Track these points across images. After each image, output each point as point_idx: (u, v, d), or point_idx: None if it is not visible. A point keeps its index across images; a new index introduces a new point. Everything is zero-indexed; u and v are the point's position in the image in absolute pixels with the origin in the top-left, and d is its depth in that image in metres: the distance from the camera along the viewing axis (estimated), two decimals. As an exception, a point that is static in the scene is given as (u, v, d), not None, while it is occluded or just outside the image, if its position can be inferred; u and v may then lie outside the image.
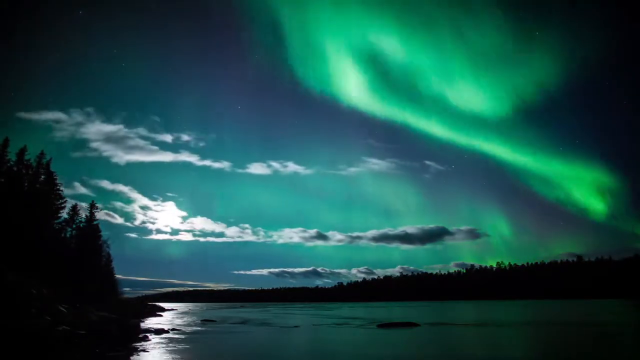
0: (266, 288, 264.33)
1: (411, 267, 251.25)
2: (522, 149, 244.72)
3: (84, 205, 46.72)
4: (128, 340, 20.80)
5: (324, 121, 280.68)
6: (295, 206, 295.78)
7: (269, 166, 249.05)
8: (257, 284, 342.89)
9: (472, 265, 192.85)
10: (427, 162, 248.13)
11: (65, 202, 40.53)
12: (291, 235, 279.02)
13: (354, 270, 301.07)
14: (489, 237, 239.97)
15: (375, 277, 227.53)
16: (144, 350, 17.64)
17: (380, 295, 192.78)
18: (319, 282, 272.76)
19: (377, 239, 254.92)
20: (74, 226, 42.96)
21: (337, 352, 18.20)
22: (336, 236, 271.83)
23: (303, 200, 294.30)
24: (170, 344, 20.23)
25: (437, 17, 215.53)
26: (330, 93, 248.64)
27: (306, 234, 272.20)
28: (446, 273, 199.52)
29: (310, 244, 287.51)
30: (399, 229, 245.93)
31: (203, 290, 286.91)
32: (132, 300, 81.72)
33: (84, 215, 44.58)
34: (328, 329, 30.94)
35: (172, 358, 16.03)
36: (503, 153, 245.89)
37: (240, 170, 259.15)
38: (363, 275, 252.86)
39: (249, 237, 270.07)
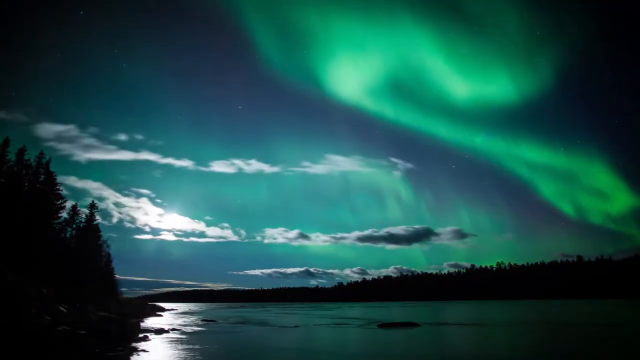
0: (266, 288, 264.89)
1: (404, 267, 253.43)
2: (512, 146, 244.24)
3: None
4: (128, 340, 20.79)
5: (288, 117, 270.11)
6: (270, 205, 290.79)
7: (232, 164, 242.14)
8: (250, 285, 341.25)
9: (472, 265, 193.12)
10: (394, 160, 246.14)
11: (66, 202, 40.47)
12: (274, 235, 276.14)
13: (347, 271, 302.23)
14: (476, 237, 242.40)
15: (369, 277, 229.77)
16: (144, 350, 17.64)
17: (380, 296, 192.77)
18: (314, 282, 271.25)
19: (362, 239, 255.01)
20: (74, 226, 42.92)
21: (338, 352, 18.18)
22: (320, 237, 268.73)
23: (277, 199, 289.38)
24: (170, 344, 20.24)
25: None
26: (305, 86, 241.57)
27: (290, 234, 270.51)
28: (446, 273, 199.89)
29: (295, 244, 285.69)
30: (383, 230, 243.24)
31: (202, 290, 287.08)
32: (132, 300, 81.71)
33: (83, 215, 44.59)
34: (328, 328, 30.94)
35: (172, 358, 16.03)
36: (488, 150, 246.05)
37: (204, 169, 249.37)
38: (357, 275, 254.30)
39: (232, 237, 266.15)
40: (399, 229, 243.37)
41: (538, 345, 19.52)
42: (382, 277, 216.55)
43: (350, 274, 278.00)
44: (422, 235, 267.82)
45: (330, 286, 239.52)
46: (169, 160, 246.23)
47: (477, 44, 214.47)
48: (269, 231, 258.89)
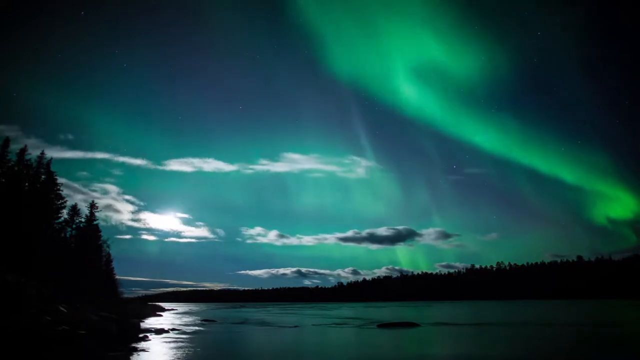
0: (266, 288, 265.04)
1: (396, 267, 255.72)
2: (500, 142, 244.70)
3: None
4: (128, 340, 20.80)
5: (241, 114, 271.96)
6: (242, 204, 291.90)
7: (189, 163, 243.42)
8: (246, 285, 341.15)
9: (472, 265, 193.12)
10: (355, 158, 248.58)
11: (66, 202, 40.54)
12: (254, 235, 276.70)
13: (338, 271, 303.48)
14: (460, 237, 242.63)
15: (362, 277, 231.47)
16: (144, 350, 17.65)
17: (380, 296, 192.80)
18: (308, 283, 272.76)
19: (344, 239, 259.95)
20: (73, 226, 42.97)
21: (338, 352, 18.20)
22: (303, 237, 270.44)
23: (247, 198, 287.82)
24: (170, 344, 20.25)
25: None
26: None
27: (271, 234, 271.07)
28: (446, 273, 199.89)
29: (278, 244, 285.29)
30: (365, 231, 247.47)
31: (202, 290, 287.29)
32: (133, 300, 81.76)
33: (83, 215, 44.63)
34: (328, 329, 30.95)
35: (172, 358, 16.04)
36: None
37: (160, 168, 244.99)
38: (350, 276, 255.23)
39: (211, 236, 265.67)
40: (381, 230, 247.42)
41: (538, 345, 19.53)
42: (382, 277, 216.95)
43: (344, 275, 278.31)
44: (405, 236, 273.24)
45: (325, 286, 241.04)
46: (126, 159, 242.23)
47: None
48: (248, 231, 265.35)
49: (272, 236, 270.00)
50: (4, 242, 27.68)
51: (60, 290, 28.34)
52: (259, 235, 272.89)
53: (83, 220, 44.19)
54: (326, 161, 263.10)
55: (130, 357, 15.95)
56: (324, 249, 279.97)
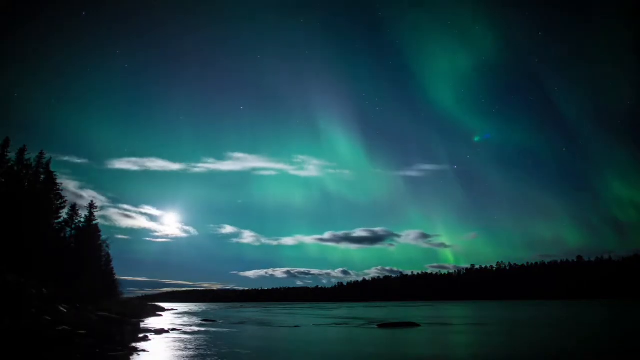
0: (266, 288, 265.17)
1: (387, 268, 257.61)
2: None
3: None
4: (128, 340, 20.77)
5: (183, 111, 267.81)
6: (202, 204, 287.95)
7: (132, 162, 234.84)
8: (237, 286, 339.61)
9: (472, 265, 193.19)
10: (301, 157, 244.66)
11: (65, 202, 40.49)
12: (234, 236, 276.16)
13: (327, 271, 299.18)
14: (440, 237, 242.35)
15: (353, 278, 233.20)
16: (144, 350, 17.63)
17: (380, 296, 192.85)
18: (300, 284, 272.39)
19: (324, 240, 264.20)
20: (73, 226, 42.91)
21: (338, 352, 18.19)
22: (282, 239, 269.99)
23: (208, 198, 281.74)
24: (171, 344, 20.23)
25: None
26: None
27: (251, 235, 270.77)
28: (446, 273, 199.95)
29: (256, 244, 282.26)
30: (341, 232, 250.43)
31: (202, 290, 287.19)
32: (133, 300, 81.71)
33: (83, 215, 44.57)
34: (328, 328, 30.94)
35: (172, 358, 16.02)
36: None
37: (102, 167, 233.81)
38: (342, 276, 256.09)
39: (194, 235, 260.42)
40: (358, 231, 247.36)
41: (538, 345, 19.51)
42: (382, 278, 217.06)
43: (335, 275, 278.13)
44: (383, 237, 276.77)
45: (317, 287, 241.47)
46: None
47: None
48: (230, 230, 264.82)
49: (251, 236, 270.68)
50: (4, 242, 27.64)
51: (60, 290, 28.30)
52: (239, 236, 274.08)
53: (82, 220, 44.13)
54: (276, 160, 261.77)
55: (130, 357, 15.93)
56: (306, 249, 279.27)
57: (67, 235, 42.38)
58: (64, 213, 41.21)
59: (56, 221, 40.34)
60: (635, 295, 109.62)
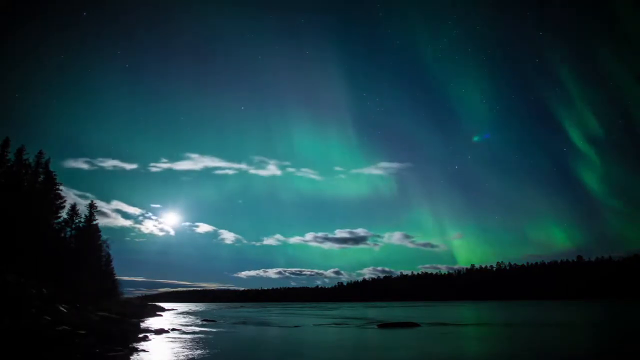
0: (266, 288, 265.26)
1: (379, 268, 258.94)
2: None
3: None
4: (128, 340, 20.76)
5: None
6: (170, 204, 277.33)
7: (87, 162, 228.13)
8: (235, 286, 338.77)
9: (472, 266, 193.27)
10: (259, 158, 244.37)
11: (65, 201, 40.47)
12: (213, 235, 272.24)
13: (320, 271, 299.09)
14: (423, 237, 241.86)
15: (346, 278, 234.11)
16: (144, 350, 17.61)
17: (380, 296, 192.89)
18: (294, 284, 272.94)
19: (308, 240, 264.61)
20: (73, 226, 42.89)
21: (339, 352, 18.17)
22: (265, 239, 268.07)
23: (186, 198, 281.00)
24: (171, 344, 20.22)
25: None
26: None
27: (233, 236, 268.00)
28: (446, 273, 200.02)
29: (238, 245, 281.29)
30: (321, 233, 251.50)
31: (202, 290, 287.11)
32: (133, 300, 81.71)
33: (83, 215, 44.54)
34: (328, 329, 30.93)
35: (172, 358, 16.01)
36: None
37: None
38: (334, 275, 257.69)
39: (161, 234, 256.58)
40: (340, 232, 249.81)
41: (537, 345, 19.51)
42: (382, 278, 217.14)
43: (329, 275, 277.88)
44: (365, 238, 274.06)
45: (318, 286, 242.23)
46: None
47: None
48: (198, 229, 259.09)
49: (233, 237, 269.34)
50: (4, 242, 27.63)
51: (60, 290, 28.29)
52: (223, 236, 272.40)
53: (82, 220, 44.10)
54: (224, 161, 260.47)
55: (130, 357, 15.91)
56: (291, 250, 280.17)
57: (67, 235, 42.36)
58: (64, 213, 41.23)
59: (56, 221, 40.33)
60: (635, 295, 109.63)
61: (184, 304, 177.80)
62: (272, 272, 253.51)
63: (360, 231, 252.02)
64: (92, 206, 46.36)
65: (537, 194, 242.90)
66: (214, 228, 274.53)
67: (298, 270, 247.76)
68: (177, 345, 19.99)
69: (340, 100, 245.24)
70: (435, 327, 29.87)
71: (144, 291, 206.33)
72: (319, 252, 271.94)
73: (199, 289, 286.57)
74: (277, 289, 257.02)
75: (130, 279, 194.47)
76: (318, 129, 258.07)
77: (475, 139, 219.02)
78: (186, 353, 17.24)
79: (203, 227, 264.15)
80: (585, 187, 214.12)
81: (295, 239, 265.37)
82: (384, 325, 30.76)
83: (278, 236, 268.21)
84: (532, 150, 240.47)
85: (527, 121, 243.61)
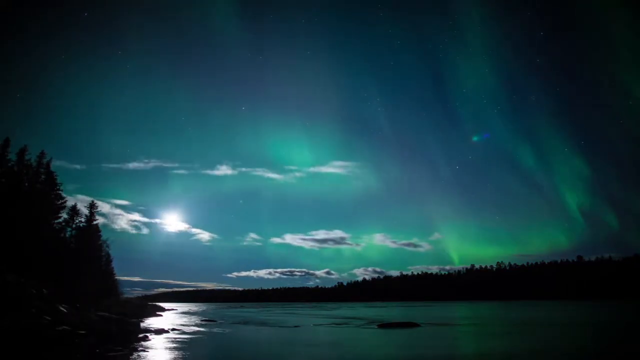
0: (266, 288, 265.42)
1: (369, 268, 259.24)
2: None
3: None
4: (128, 340, 20.79)
5: (184, 112, 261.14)
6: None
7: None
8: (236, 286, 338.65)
9: (472, 265, 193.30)
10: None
11: (66, 201, 40.45)
12: (190, 235, 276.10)
13: (311, 271, 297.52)
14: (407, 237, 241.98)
15: (336, 277, 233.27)
16: (144, 350, 17.63)
17: (379, 296, 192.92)
18: (288, 284, 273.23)
19: (287, 241, 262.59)
20: (73, 226, 42.87)
21: (339, 352, 18.18)
22: (243, 239, 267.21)
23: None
24: (171, 344, 20.23)
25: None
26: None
27: (209, 235, 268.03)
28: (446, 273, 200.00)
29: (222, 246, 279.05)
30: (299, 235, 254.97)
31: (203, 290, 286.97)
32: (133, 300, 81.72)
33: (83, 215, 44.50)
34: (329, 328, 30.95)
35: (172, 358, 16.02)
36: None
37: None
38: (326, 276, 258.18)
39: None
40: (320, 233, 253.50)
41: (537, 345, 19.52)
42: (382, 278, 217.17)
43: (320, 275, 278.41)
44: (345, 238, 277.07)
45: (318, 286, 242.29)
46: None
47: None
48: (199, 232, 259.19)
49: (215, 237, 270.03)
50: (4, 242, 27.64)
51: (60, 290, 28.30)
52: (206, 237, 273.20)
53: (83, 220, 44.07)
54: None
55: (130, 357, 15.91)
56: (274, 250, 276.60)
57: (68, 236, 42.35)
58: (64, 213, 41.21)
59: (56, 221, 40.32)
60: (635, 295, 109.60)
61: (181, 304, 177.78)
62: (262, 273, 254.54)
63: (338, 232, 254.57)
64: (92, 206, 46.31)
65: (536, 194, 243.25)
66: (189, 226, 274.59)
67: (288, 271, 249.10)
68: (177, 345, 20.00)
69: (340, 100, 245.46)
70: (435, 327, 29.89)
71: (139, 291, 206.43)
72: (304, 252, 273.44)
73: (192, 289, 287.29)
74: (277, 289, 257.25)
75: (127, 278, 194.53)
76: (313, 128, 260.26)
77: (475, 139, 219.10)
78: (186, 353, 17.25)
79: (176, 226, 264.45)
80: (585, 186, 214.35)
81: (276, 240, 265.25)
82: (384, 325, 30.77)
83: (254, 235, 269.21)
84: (533, 150, 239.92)
85: (527, 121, 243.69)
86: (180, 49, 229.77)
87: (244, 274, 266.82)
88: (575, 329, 27.66)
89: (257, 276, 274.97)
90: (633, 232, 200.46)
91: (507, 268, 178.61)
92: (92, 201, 46.13)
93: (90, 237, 45.07)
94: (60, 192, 39.55)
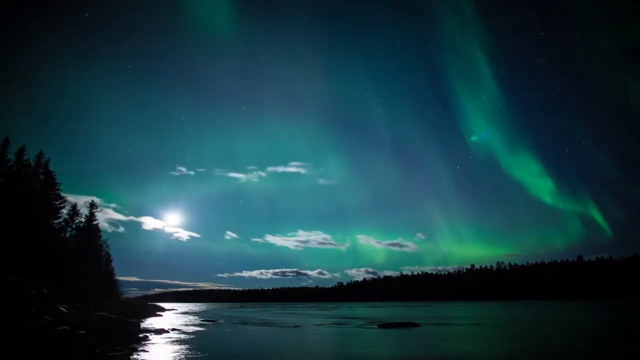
0: (266, 288, 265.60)
1: (362, 269, 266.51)
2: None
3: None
4: (128, 340, 20.77)
5: (185, 112, 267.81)
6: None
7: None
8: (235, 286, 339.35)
9: (472, 265, 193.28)
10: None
11: (65, 201, 40.41)
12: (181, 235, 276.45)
13: (303, 271, 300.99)
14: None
15: (330, 277, 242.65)
16: (144, 350, 17.61)
17: (379, 296, 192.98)
18: (282, 285, 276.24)
19: (269, 242, 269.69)
20: (73, 226, 42.82)
21: (339, 352, 18.17)
22: (222, 240, 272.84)
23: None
24: (171, 344, 20.21)
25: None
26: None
27: (187, 234, 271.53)
28: (446, 273, 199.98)
29: (201, 246, 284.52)
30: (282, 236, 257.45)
31: (202, 290, 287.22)
32: (132, 300, 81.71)
33: (83, 215, 44.46)
34: (328, 328, 30.94)
35: (172, 358, 16.00)
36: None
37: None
38: (318, 276, 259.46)
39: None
40: (301, 234, 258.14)
41: (537, 345, 19.51)
42: (382, 278, 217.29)
43: (312, 275, 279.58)
44: (328, 238, 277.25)
45: (318, 286, 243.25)
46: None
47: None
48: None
49: (201, 237, 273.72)
50: (4, 242, 27.62)
51: (60, 290, 28.29)
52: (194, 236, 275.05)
53: (83, 220, 44.02)
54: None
55: (130, 357, 15.90)
56: (269, 249, 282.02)
57: (67, 236, 42.31)
58: (64, 213, 41.17)
59: (56, 221, 40.28)
60: (635, 295, 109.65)
61: (180, 304, 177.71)
62: (256, 273, 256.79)
63: (320, 232, 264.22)
64: (92, 206, 46.27)
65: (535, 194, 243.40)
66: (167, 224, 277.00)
67: (279, 271, 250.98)
68: (178, 345, 19.98)
69: (340, 100, 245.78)
70: (435, 327, 29.88)
71: (136, 291, 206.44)
72: (289, 253, 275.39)
73: (191, 289, 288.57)
74: (277, 289, 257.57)
75: (124, 278, 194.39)
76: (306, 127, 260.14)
77: (474, 139, 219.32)
78: (186, 353, 17.23)
79: (151, 224, 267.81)
80: (585, 186, 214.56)
81: (255, 240, 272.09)
82: (384, 325, 30.76)
83: (233, 235, 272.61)
84: (533, 150, 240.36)
85: (527, 121, 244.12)
86: (182, 49, 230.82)
87: (235, 274, 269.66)
88: (575, 329, 27.66)
89: (249, 276, 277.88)
90: (633, 232, 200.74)
91: (507, 268, 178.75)
92: (92, 201, 46.07)
93: (90, 237, 45.03)
94: (59, 191, 39.54)
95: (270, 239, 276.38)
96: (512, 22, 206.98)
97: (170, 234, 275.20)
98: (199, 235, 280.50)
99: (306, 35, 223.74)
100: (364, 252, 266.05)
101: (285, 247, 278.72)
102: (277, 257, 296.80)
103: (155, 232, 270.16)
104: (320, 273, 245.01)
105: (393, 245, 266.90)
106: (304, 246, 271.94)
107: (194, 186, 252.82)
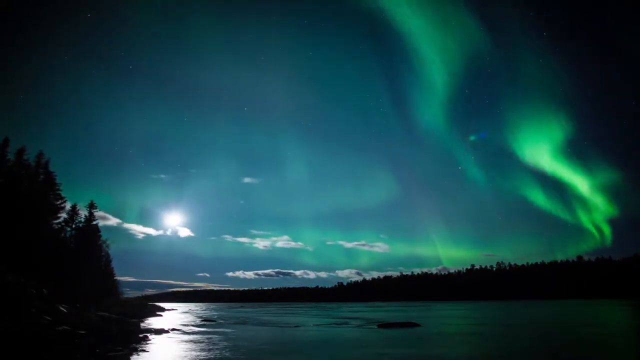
0: (266, 288, 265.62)
1: (353, 270, 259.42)
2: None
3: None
4: (128, 340, 20.77)
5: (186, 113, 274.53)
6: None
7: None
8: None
9: (472, 266, 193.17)
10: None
11: (65, 202, 40.40)
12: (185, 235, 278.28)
13: (301, 271, 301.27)
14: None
15: (325, 277, 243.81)
16: (144, 350, 17.61)
17: (379, 296, 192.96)
18: (277, 285, 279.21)
19: (247, 243, 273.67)
20: (73, 226, 42.82)
21: (339, 352, 18.16)
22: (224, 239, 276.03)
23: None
24: (171, 344, 20.21)
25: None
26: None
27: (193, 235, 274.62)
28: (446, 274, 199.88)
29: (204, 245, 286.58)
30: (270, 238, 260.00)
31: (202, 290, 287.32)
32: (133, 300, 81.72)
33: (83, 215, 44.44)
34: (328, 328, 30.93)
35: (172, 358, 16.00)
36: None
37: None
38: (308, 277, 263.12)
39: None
40: (284, 238, 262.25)
41: (537, 345, 19.51)
42: (382, 278, 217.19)
43: (300, 275, 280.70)
44: (291, 242, 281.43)
45: (318, 286, 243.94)
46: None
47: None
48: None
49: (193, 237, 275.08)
50: (4, 242, 27.62)
51: (60, 290, 28.28)
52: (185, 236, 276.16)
53: (82, 220, 44.02)
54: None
55: (130, 357, 15.90)
56: (269, 249, 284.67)
57: (67, 235, 42.30)
58: (64, 213, 41.16)
59: (56, 221, 40.28)
60: (635, 295, 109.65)
61: (180, 304, 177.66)
62: (251, 274, 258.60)
63: (285, 236, 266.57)
64: (91, 206, 46.25)
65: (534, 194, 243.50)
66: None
67: (271, 272, 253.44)
68: (178, 345, 19.98)
69: (340, 100, 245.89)
70: (435, 327, 29.87)
71: (133, 292, 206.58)
72: (261, 253, 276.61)
73: (191, 289, 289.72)
74: (277, 289, 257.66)
75: (122, 279, 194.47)
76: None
77: (472, 138, 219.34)
78: (186, 353, 17.23)
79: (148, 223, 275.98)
80: (585, 186, 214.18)
81: (239, 240, 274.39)
82: (384, 325, 30.75)
83: (229, 236, 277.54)
84: (533, 150, 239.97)
85: (528, 121, 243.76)
86: (183, 49, 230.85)
87: (229, 274, 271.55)
88: (575, 329, 27.64)
89: (243, 277, 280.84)
90: (633, 232, 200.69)
91: (507, 268, 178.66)
92: (92, 201, 46.05)
93: (90, 237, 45.03)
94: (59, 192, 39.54)
95: (271, 239, 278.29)
96: (513, 22, 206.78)
97: (168, 234, 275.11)
98: (194, 235, 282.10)
99: (306, 35, 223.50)
100: (330, 253, 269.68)
101: (286, 247, 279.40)
102: (277, 257, 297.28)
103: (152, 232, 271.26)
104: (306, 273, 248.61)
105: (363, 246, 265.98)
106: (275, 247, 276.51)
107: (194, 186, 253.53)
